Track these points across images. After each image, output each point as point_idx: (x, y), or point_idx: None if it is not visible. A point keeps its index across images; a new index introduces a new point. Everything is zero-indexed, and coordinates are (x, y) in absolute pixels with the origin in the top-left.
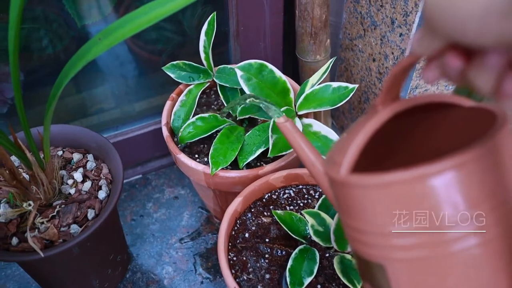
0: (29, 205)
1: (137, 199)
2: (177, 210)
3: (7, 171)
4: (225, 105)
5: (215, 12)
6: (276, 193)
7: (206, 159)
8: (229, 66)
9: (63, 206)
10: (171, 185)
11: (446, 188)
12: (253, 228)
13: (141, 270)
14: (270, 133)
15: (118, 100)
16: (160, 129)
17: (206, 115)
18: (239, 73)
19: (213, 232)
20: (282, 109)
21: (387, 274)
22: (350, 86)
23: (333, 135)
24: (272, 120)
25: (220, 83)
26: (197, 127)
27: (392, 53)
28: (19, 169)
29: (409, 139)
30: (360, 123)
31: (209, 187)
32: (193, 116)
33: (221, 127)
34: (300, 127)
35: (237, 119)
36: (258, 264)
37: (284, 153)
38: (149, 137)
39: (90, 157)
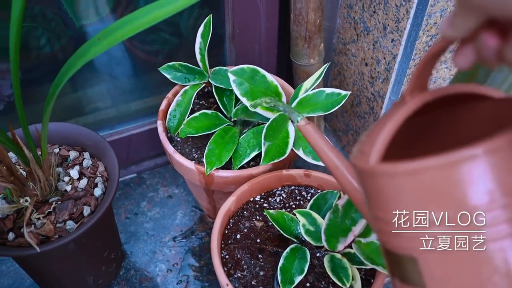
0: (26, 201)
1: (131, 197)
2: (171, 209)
3: (4, 168)
4: (220, 105)
5: (211, 15)
6: (269, 193)
7: (201, 159)
8: (224, 67)
9: (59, 202)
10: (165, 184)
11: (479, 175)
12: (246, 228)
13: (135, 267)
14: (262, 141)
15: (114, 99)
16: (156, 128)
17: (209, 111)
18: (231, 77)
19: (207, 231)
20: (276, 114)
21: (419, 267)
22: (343, 92)
23: None
24: (266, 125)
25: (216, 84)
26: (200, 122)
27: (384, 58)
28: (16, 166)
29: (436, 130)
30: (388, 114)
31: (203, 186)
32: (188, 116)
33: (222, 126)
34: (293, 132)
35: (232, 120)
36: (252, 262)
37: (276, 160)
38: (144, 136)
39: (86, 155)
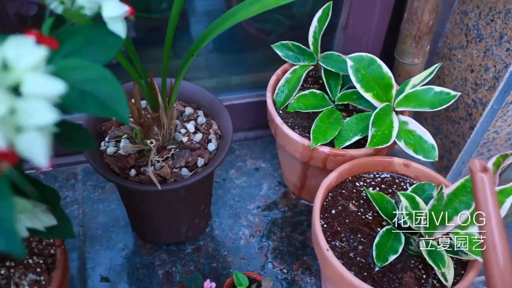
0: (151, 142)
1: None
2: (257, 181)
3: (136, 110)
4: (326, 88)
5: (331, 1)
6: (368, 176)
7: (303, 134)
8: (336, 53)
9: (177, 150)
10: (254, 157)
11: None
12: (341, 205)
13: (220, 227)
14: (370, 126)
15: (219, 71)
16: (254, 102)
17: (317, 91)
18: (349, 63)
19: (289, 206)
20: (383, 104)
21: None
22: (452, 92)
23: (427, 136)
24: (375, 113)
25: (326, 67)
26: (308, 100)
27: (494, 66)
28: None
29: None
30: None
31: (302, 160)
32: (295, 94)
33: (326, 108)
34: (397, 123)
35: (335, 104)
36: (351, 236)
37: (380, 146)
38: (242, 108)
39: (200, 113)
